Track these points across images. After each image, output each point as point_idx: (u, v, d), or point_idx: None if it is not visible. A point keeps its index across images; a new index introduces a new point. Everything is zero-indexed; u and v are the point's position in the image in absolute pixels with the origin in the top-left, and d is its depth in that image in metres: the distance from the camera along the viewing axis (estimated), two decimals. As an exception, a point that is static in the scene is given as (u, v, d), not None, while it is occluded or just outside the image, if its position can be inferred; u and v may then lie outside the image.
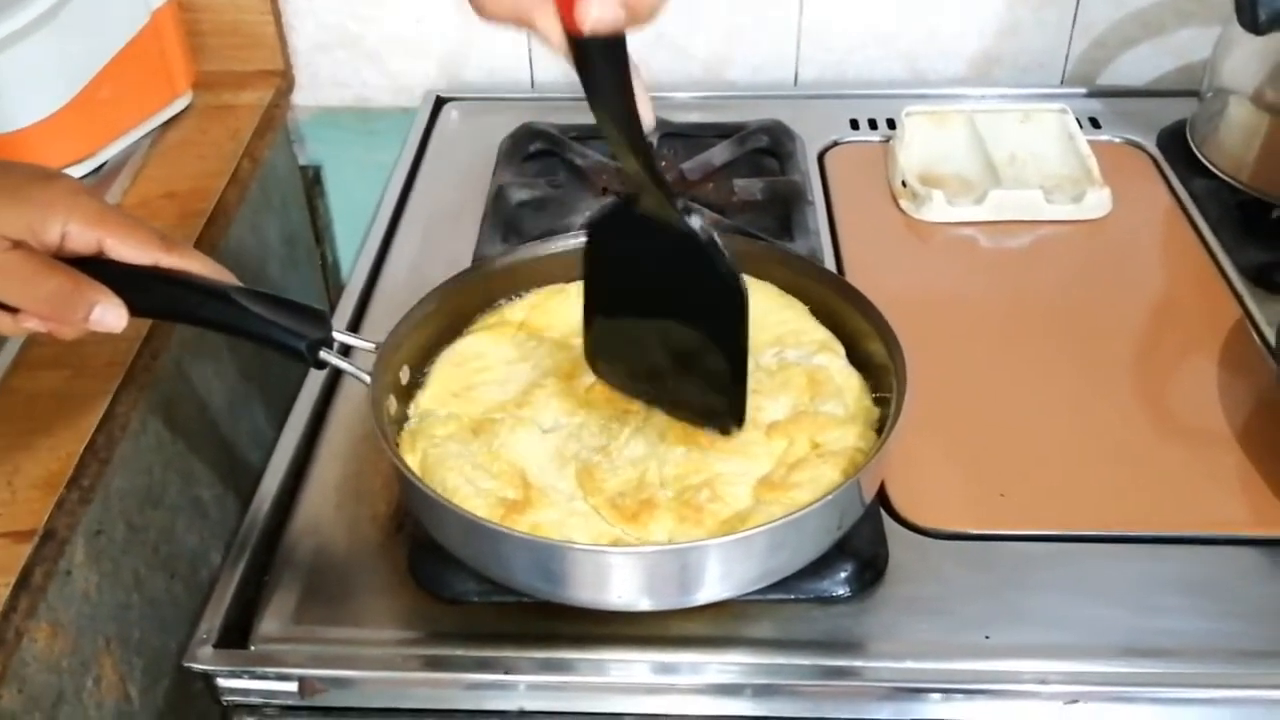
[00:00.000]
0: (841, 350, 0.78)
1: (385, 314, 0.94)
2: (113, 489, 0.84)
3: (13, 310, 0.65)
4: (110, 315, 0.65)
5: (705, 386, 0.70)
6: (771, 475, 0.71)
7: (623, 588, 0.66)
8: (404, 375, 0.77)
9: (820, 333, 0.80)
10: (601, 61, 0.54)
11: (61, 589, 0.77)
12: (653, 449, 0.73)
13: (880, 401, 0.75)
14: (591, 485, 0.70)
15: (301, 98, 1.30)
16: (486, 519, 0.66)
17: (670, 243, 0.65)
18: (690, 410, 0.72)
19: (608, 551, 0.66)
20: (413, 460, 0.72)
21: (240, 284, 0.69)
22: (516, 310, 0.83)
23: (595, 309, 0.73)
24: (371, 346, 0.74)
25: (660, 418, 0.74)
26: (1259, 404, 0.85)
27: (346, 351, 0.73)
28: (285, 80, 1.25)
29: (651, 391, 0.73)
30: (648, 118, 0.58)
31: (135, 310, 0.66)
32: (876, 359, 0.76)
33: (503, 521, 0.67)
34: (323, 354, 0.70)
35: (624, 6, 0.49)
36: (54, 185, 0.66)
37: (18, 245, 0.64)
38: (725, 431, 0.70)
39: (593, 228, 0.71)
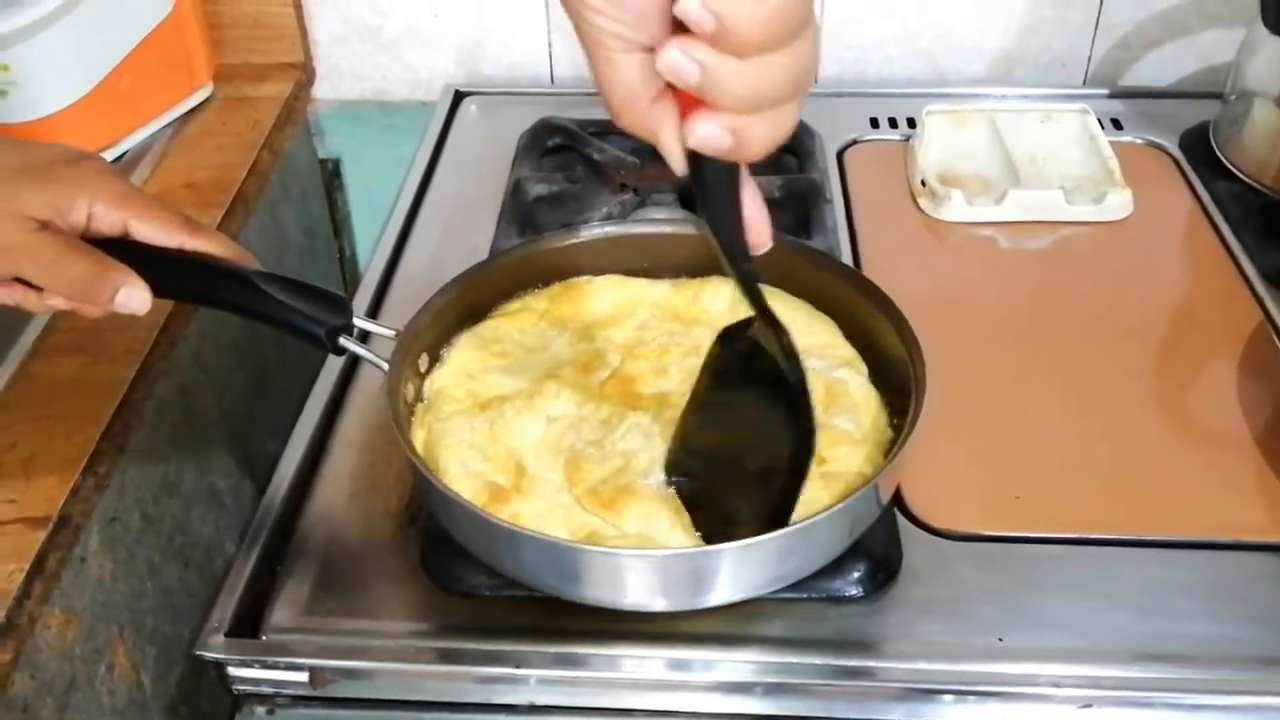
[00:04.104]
0: (864, 370, 0.77)
1: (401, 306, 0.94)
2: (128, 477, 0.84)
3: (39, 288, 0.66)
4: (135, 298, 0.66)
5: (740, 509, 0.68)
6: None
7: (635, 589, 0.66)
8: (423, 363, 0.77)
9: (847, 350, 0.79)
10: (712, 182, 0.53)
11: (76, 576, 0.77)
12: (649, 442, 0.72)
13: (894, 423, 0.74)
14: (576, 476, 0.70)
15: (321, 90, 1.30)
16: (496, 517, 0.66)
17: (765, 370, 0.65)
18: (709, 517, 0.69)
19: (619, 553, 0.65)
20: (420, 436, 0.73)
21: (263, 268, 0.70)
22: (540, 299, 0.83)
23: (694, 401, 0.71)
24: (391, 334, 0.74)
25: (668, 413, 0.73)
26: (1279, 408, 0.85)
27: (365, 338, 0.73)
28: (305, 73, 1.26)
29: (687, 486, 0.71)
30: (761, 239, 0.57)
31: (158, 292, 0.67)
32: (896, 366, 0.75)
33: (485, 508, 0.66)
34: (342, 340, 0.70)
35: (733, 134, 0.48)
36: (80, 165, 0.66)
37: (44, 226, 0.64)
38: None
39: (721, 337, 0.70)
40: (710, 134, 0.48)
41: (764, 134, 0.48)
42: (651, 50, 0.47)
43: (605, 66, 0.49)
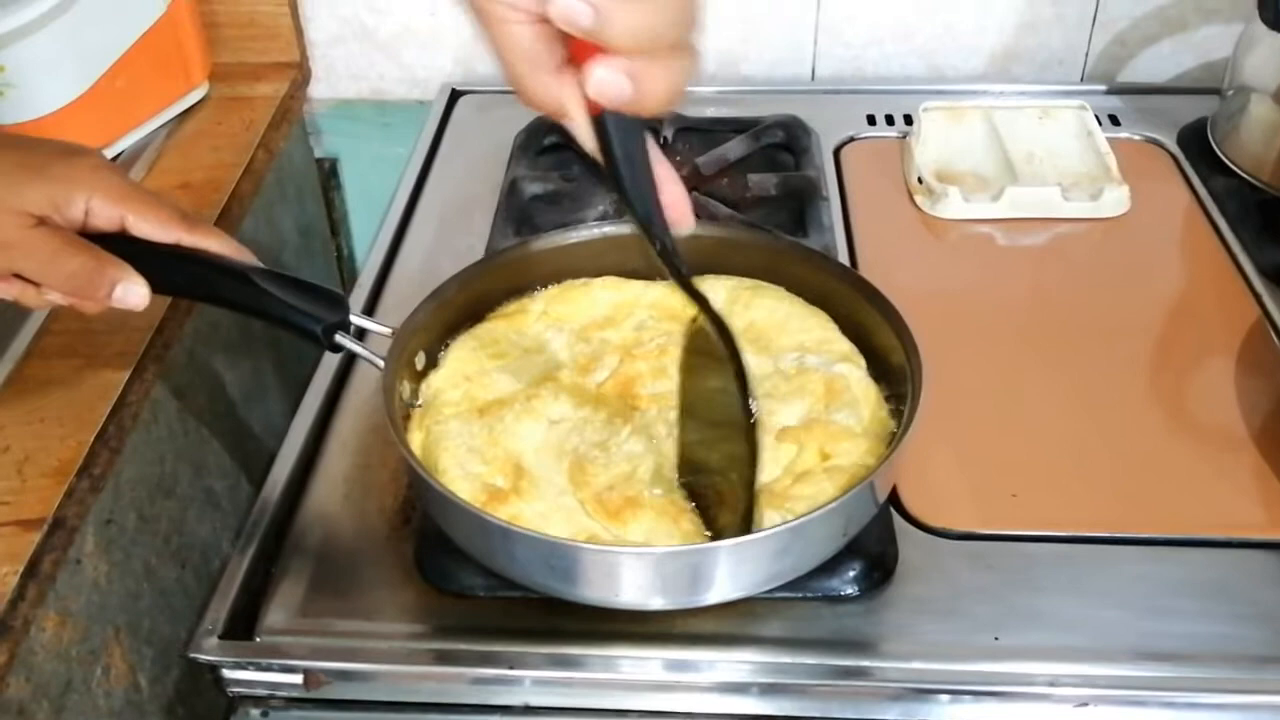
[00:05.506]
0: (863, 363, 0.77)
1: (397, 305, 0.94)
2: (124, 478, 0.84)
3: (37, 283, 0.66)
4: (132, 294, 0.66)
5: (729, 488, 0.69)
6: (775, 484, 0.70)
7: (630, 587, 0.65)
8: (419, 361, 0.77)
9: (844, 344, 0.78)
10: (622, 153, 0.54)
11: (71, 578, 0.77)
12: (654, 445, 0.72)
13: (896, 414, 0.74)
14: (581, 479, 0.70)
15: (317, 90, 1.30)
16: (494, 515, 0.65)
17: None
18: (716, 510, 0.69)
19: (615, 551, 0.65)
20: (417, 439, 0.73)
21: (260, 265, 0.70)
22: (538, 300, 0.83)
23: (683, 403, 0.73)
24: (388, 331, 0.74)
25: (669, 415, 0.73)
26: (1277, 405, 0.84)
27: (362, 336, 0.72)
28: (301, 72, 1.26)
29: (697, 484, 0.71)
30: (680, 216, 0.57)
31: (156, 287, 0.67)
32: (893, 364, 0.75)
33: (483, 509, 0.66)
34: (339, 338, 0.70)
35: (630, 78, 0.50)
36: (78, 161, 0.67)
37: (42, 222, 0.64)
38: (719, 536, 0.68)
39: (687, 337, 0.72)
40: (607, 78, 0.50)
41: (660, 80, 0.51)
42: (546, 21, 0.49)
43: (505, 40, 0.52)
